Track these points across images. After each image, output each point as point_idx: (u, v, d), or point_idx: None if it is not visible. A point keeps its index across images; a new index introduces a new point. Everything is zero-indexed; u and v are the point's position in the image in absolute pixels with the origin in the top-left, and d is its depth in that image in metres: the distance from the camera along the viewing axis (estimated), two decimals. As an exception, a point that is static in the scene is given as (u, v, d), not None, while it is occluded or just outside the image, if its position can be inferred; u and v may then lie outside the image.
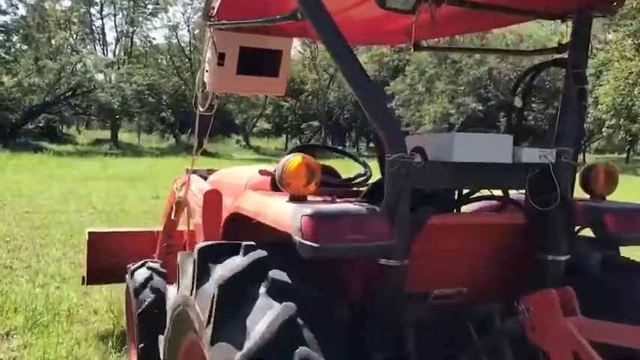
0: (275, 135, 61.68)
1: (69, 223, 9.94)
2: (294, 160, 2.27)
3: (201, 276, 2.34)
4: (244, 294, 2.16)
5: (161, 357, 2.98)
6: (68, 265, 7.12)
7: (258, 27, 3.09)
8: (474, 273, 2.61)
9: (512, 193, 2.71)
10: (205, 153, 37.16)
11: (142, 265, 4.14)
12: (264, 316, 2.06)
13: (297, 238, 2.05)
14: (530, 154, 2.46)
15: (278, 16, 2.56)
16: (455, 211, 2.79)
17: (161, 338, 3.03)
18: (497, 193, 2.79)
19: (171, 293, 2.96)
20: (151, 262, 4.19)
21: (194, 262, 2.38)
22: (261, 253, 2.28)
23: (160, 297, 3.82)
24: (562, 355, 2.23)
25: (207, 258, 2.36)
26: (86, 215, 11.24)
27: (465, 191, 2.83)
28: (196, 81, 3.40)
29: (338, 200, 2.46)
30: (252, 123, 55.07)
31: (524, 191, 2.52)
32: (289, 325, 2.03)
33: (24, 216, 10.85)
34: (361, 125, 60.77)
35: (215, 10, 3.09)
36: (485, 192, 2.77)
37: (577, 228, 2.63)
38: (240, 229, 2.65)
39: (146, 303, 3.89)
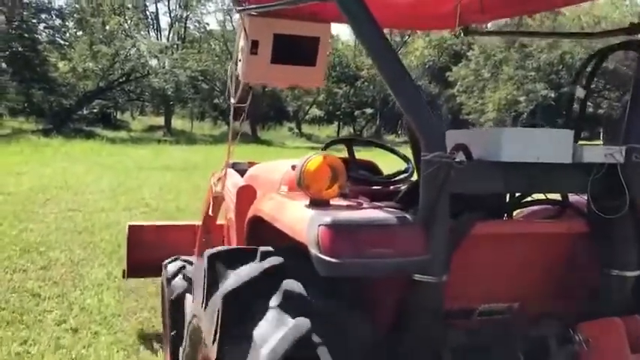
0: (327, 122, 60.73)
1: (117, 227, 8.43)
2: (315, 159, 2.07)
3: (211, 286, 2.09)
4: (253, 307, 1.91)
5: None
6: (112, 295, 5.56)
7: (294, 13, 2.96)
8: (526, 287, 2.31)
9: (572, 197, 2.38)
10: (258, 141, 37.24)
11: (179, 271, 3.98)
12: (274, 334, 1.81)
13: (314, 251, 1.79)
14: (594, 153, 2.15)
15: None
16: (505, 217, 2.51)
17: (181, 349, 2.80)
18: (555, 197, 2.47)
19: (189, 302, 2.79)
20: (188, 264, 3.99)
21: (204, 270, 2.15)
22: (275, 260, 2.02)
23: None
24: None
25: (218, 266, 2.10)
26: (137, 214, 9.75)
27: (517, 195, 2.53)
28: (228, 71, 3.25)
29: (366, 205, 2.15)
30: (305, 110, 54.08)
31: (585, 195, 2.22)
32: (301, 345, 1.76)
33: (66, 215, 9.47)
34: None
35: None
36: (540, 196, 2.47)
37: None
38: (263, 231, 2.39)
39: (178, 290, 3.75)
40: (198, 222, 4.51)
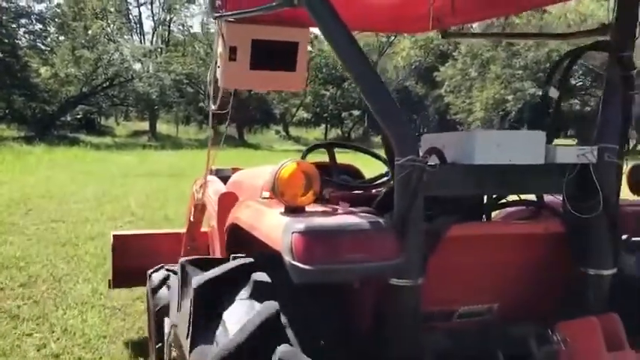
0: (314, 125, 60.52)
1: (102, 238, 8.02)
2: (289, 166, 2.06)
3: (184, 289, 2.15)
4: (224, 298, 1.98)
5: None
6: (97, 314, 5.15)
7: (271, 18, 2.90)
8: (505, 288, 2.32)
9: (549, 198, 2.39)
10: (245, 144, 36.93)
11: (160, 268, 3.94)
12: (244, 318, 1.88)
13: (288, 258, 1.79)
14: (567, 154, 2.18)
15: (274, 3, 2.21)
16: (483, 219, 2.50)
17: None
18: (533, 198, 2.47)
19: (167, 321, 2.74)
20: (173, 273, 3.68)
21: (178, 277, 2.22)
22: (247, 260, 2.10)
23: None
24: None
25: (190, 272, 2.18)
26: (123, 224, 9.34)
27: (495, 196, 2.54)
28: (208, 77, 3.22)
29: (340, 211, 2.17)
30: (292, 113, 53.84)
31: (561, 196, 2.24)
32: (269, 325, 1.84)
33: (49, 226, 9.03)
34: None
35: (221, 1, 2.81)
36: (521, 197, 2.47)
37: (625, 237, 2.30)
38: (242, 239, 2.39)
39: (163, 302, 3.63)
40: (184, 230, 4.43)
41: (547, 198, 2.48)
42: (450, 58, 43.94)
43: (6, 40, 33.11)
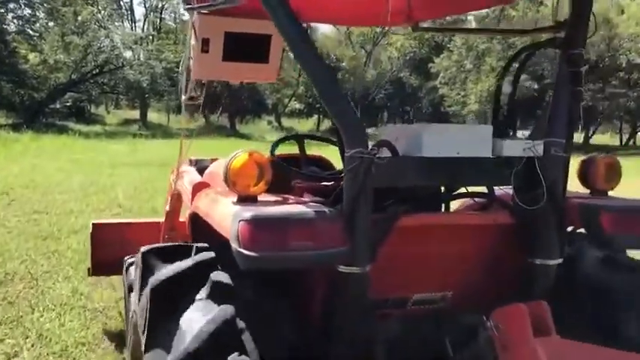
0: (307, 115, 60.16)
1: (85, 232, 7.57)
2: (241, 157, 2.08)
3: (144, 280, 2.12)
4: (181, 299, 1.96)
5: None
6: (76, 317, 4.75)
7: (244, 11, 2.85)
8: (457, 277, 2.37)
9: (502, 190, 2.45)
10: (237, 134, 36.52)
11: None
12: (200, 319, 1.87)
13: (235, 245, 1.83)
14: (514, 147, 2.25)
15: None
16: (437, 209, 2.59)
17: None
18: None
19: (132, 299, 2.61)
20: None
21: (139, 266, 2.21)
22: (205, 255, 2.09)
23: None
24: None
25: (151, 261, 2.17)
26: (109, 217, 8.92)
27: (450, 189, 2.61)
28: (180, 68, 3.29)
29: (291, 201, 2.21)
30: (284, 103, 53.42)
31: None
32: (226, 329, 1.84)
33: (31, 218, 8.60)
34: (398, 107, 58.66)
35: None
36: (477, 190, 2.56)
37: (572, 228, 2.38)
38: (202, 227, 2.38)
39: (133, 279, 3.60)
40: (161, 219, 4.43)
41: (500, 191, 2.53)
42: (445, 50, 43.53)
43: (-7, 26, 32.43)
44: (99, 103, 47.98)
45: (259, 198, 2.11)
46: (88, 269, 4.76)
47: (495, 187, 2.58)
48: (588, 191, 2.51)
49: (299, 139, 3.20)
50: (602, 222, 2.22)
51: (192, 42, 3.16)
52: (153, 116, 46.11)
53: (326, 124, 58.17)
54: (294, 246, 1.87)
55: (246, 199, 2.07)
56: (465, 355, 2.30)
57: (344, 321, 2.12)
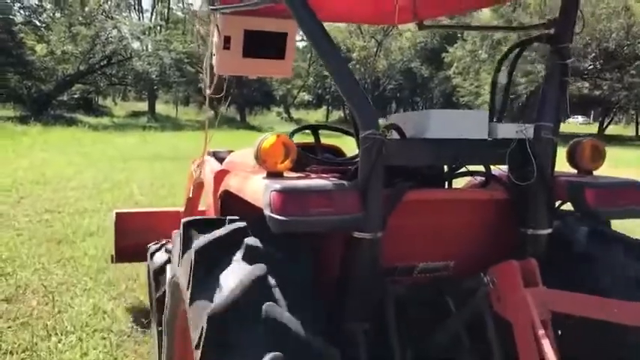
0: (316, 107, 59.57)
1: (103, 234, 6.97)
2: (270, 138, 2.32)
3: (185, 247, 2.39)
4: (220, 258, 2.21)
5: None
6: (99, 343, 4.05)
7: (262, 11, 3.15)
8: (459, 247, 2.65)
9: (499, 169, 2.67)
10: (247, 126, 35.89)
11: (161, 247, 4.10)
12: (236, 276, 2.12)
13: (267, 212, 2.09)
14: (507, 130, 2.51)
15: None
16: (441, 186, 2.84)
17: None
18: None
19: (169, 268, 3.20)
20: (169, 242, 3.93)
21: (180, 234, 2.46)
22: (239, 224, 2.33)
23: None
24: (522, 325, 2.27)
25: (191, 230, 2.42)
26: (126, 216, 8.26)
27: (453, 167, 2.83)
28: (204, 64, 3.45)
29: (313, 176, 2.48)
30: (293, 95, 52.81)
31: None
32: (258, 283, 2.08)
33: (42, 218, 7.94)
34: (408, 97, 57.84)
35: None
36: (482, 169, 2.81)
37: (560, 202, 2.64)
38: (231, 204, 2.72)
39: (160, 261, 3.89)
40: (183, 208, 4.52)
41: (496, 169, 2.73)
42: (460, 39, 42.62)
43: (0, 16, 31.73)
44: (106, 95, 47.45)
45: (285, 174, 2.35)
46: (112, 256, 4.91)
47: (493, 167, 2.81)
48: (575, 171, 2.73)
49: (315, 129, 3.40)
50: (587, 197, 2.46)
51: (215, 39, 3.36)
52: (160, 108, 45.58)
53: (335, 115, 57.52)
54: (317, 212, 2.11)
55: (274, 175, 2.31)
56: (465, 310, 2.54)
57: (358, 283, 2.34)
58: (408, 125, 2.50)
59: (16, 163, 13.62)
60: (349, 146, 3.19)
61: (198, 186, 3.84)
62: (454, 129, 2.43)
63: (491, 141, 2.50)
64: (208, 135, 3.55)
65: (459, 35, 42.81)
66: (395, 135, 2.46)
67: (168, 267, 3.51)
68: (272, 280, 2.12)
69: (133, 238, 4.71)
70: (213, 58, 3.41)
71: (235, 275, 2.12)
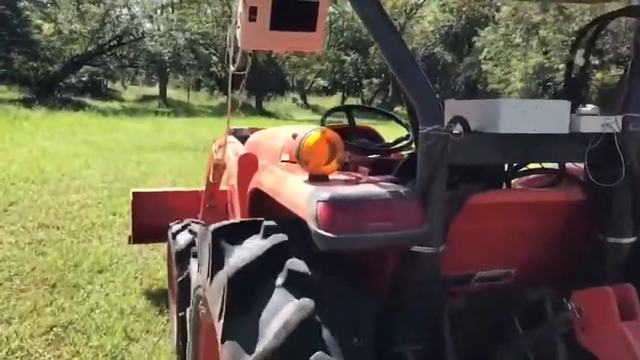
0: (330, 93, 57.81)
1: (117, 271, 4.82)
2: (314, 135, 2.13)
3: (216, 260, 2.13)
4: (258, 286, 1.97)
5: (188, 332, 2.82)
6: None
7: None
8: (523, 254, 2.41)
9: (569, 165, 2.40)
10: (263, 113, 33.96)
11: (184, 228, 3.92)
12: (279, 314, 1.85)
13: (313, 227, 1.86)
14: (591, 123, 2.20)
15: None
16: (503, 187, 2.50)
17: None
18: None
19: (194, 268, 2.80)
20: (193, 223, 3.96)
21: (209, 245, 2.21)
22: (278, 237, 2.05)
23: None
24: None
25: (222, 240, 2.16)
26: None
27: (515, 164, 2.56)
28: (227, 37, 3.20)
29: (363, 180, 2.20)
30: (308, 80, 51.10)
31: (581, 164, 2.30)
32: (306, 325, 1.82)
33: (34, 238, 5.78)
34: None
35: None
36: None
37: None
38: (264, 203, 2.46)
39: (184, 242, 3.74)
40: (202, 188, 4.47)
41: (568, 166, 2.46)
42: (491, 22, 40.24)
43: (4, -9, 29.76)
44: (115, 78, 45.55)
45: (330, 177, 2.13)
46: (129, 237, 4.82)
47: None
48: None
49: (349, 109, 3.23)
50: None
51: (240, 10, 3.05)
52: (171, 92, 43.57)
53: (350, 101, 55.54)
54: (373, 227, 1.86)
55: (318, 178, 2.08)
56: (535, 333, 2.24)
57: (413, 301, 2.10)
58: (473, 117, 2.10)
59: (12, 154, 11.50)
60: (385, 131, 3.03)
61: (220, 167, 3.76)
62: (528, 122, 2.11)
63: (569, 135, 2.18)
64: (229, 115, 3.39)
65: (493, 17, 40.41)
66: (458, 129, 2.02)
67: (192, 272, 3.07)
68: (321, 318, 1.82)
69: (151, 218, 4.62)
70: (238, 31, 3.12)
71: (278, 313, 1.83)
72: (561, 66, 34.47)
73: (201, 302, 2.44)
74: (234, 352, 1.88)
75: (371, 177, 2.28)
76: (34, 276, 4.74)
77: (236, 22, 3.17)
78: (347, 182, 2.10)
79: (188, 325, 2.78)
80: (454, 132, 1.99)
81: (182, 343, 3.47)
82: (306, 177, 2.09)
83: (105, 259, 5.25)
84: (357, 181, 2.13)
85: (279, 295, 1.89)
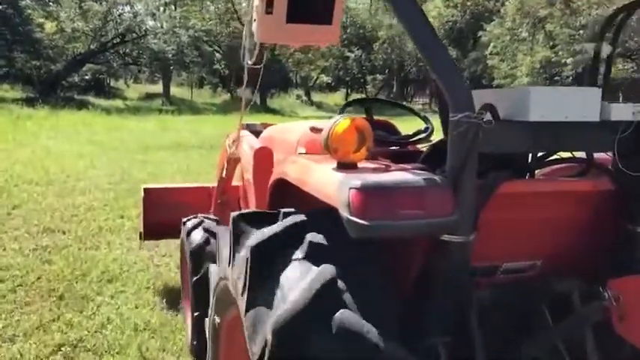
0: (334, 90, 57.50)
1: (128, 282, 4.51)
2: (343, 122, 2.08)
3: (236, 245, 2.14)
4: (281, 256, 1.96)
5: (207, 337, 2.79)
6: None
7: None
8: (550, 245, 2.36)
9: (596, 155, 2.37)
10: (268, 110, 33.65)
11: (199, 225, 3.84)
12: (300, 281, 1.86)
13: (345, 214, 1.83)
14: (622, 111, 2.17)
15: None
16: (529, 175, 2.49)
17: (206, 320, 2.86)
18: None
19: (214, 269, 2.84)
20: (207, 219, 3.91)
21: (230, 232, 2.21)
22: (299, 217, 2.06)
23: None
24: None
25: (243, 226, 2.15)
26: (164, 243, 5.71)
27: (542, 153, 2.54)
28: (244, 31, 3.18)
29: (393, 168, 2.19)
30: (314, 76, 50.76)
31: (610, 153, 2.30)
32: (328, 287, 1.82)
33: (39, 245, 5.47)
34: (430, 80, 55.38)
35: None
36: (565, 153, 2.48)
37: None
38: (287, 193, 2.46)
39: (198, 241, 3.70)
40: (214, 184, 4.42)
41: (596, 155, 2.42)
42: (497, 16, 39.81)
43: (5, -10, 29.47)
44: (118, 77, 45.27)
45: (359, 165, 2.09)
46: (140, 233, 4.76)
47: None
48: None
49: (368, 103, 3.23)
50: None
51: (256, 3, 2.96)
52: (174, 90, 43.26)
53: (354, 97, 55.12)
54: (405, 214, 1.83)
55: (347, 166, 2.05)
56: (568, 323, 2.20)
57: (442, 291, 2.05)
58: (502, 104, 2.10)
59: (15, 154, 11.23)
60: (401, 125, 3.10)
61: (234, 161, 3.76)
62: (558, 109, 2.09)
63: (599, 123, 2.14)
64: (243, 110, 3.37)
65: (498, 11, 39.97)
66: (488, 117, 2.03)
67: (211, 268, 3.04)
68: (342, 284, 1.83)
69: (162, 214, 4.58)
70: (254, 24, 3.01)
71: (301, 278, 1.84)
72: (569, 60, 34.06)
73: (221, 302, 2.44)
74: (256, 319, 1.88)
75: (400, 165, 2.26)
76: (40, 287, 4.44)
77: (252, 16, 3.11)
78: (377, 170, 2.09)
79: (207, 327, 2.74)
80: (485, 120, 1.97)
81: (197, 343, 3.45)
82: (334, 165, 2.06)
83: (114, 267, 4.94)
84: (387, 169, 2.13)
85: (299, 266, 1.90)
